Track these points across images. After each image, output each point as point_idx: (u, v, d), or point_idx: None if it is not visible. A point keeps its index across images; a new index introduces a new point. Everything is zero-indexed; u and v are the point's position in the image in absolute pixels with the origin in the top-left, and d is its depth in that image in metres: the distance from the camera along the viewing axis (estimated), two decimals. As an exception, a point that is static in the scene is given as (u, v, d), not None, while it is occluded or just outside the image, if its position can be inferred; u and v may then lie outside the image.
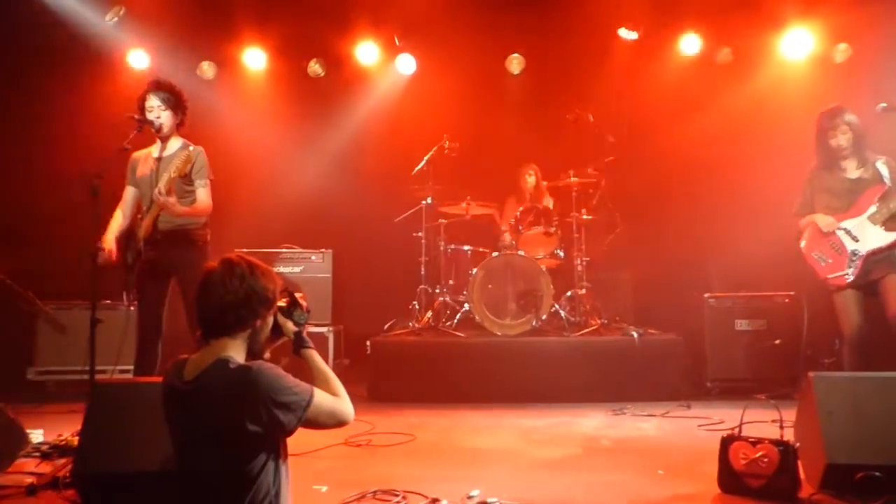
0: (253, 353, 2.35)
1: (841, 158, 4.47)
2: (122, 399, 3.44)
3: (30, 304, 6.01)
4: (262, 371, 2.19)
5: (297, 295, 2.54)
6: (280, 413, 2.18)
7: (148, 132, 4.58)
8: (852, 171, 4.47)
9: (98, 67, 7.15)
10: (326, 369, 2.45)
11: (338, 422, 2.35)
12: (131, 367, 4.67)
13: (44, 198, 6.53)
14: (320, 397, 2.29)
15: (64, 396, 5.86)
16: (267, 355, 2.43)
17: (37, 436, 4.24)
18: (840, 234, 4.38)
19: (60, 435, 4.14)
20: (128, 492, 3.20)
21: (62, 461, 3.74)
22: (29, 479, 3.51)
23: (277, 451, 2.30)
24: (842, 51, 7.02)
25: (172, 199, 4.34)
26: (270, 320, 2.40)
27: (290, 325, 2.49)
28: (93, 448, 3.27)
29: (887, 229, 4.30)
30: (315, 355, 2.49)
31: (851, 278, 4.32)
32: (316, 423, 2.29)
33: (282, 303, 2.47)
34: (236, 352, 2.28)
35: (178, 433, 2.29)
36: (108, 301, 5.52)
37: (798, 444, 3.26)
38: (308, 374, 2.41)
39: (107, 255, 4.41)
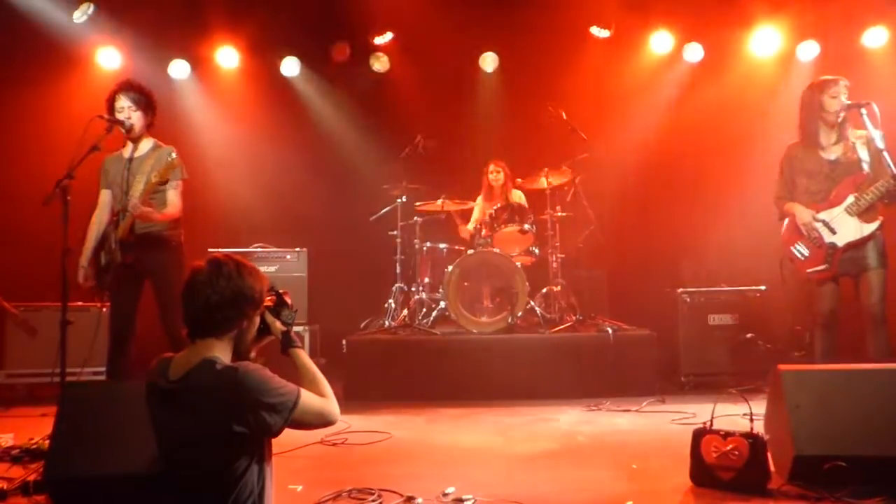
0: (239, 353, 2.33)
1: (825, 122, 4.40)
2: (94, 401, 3.41)
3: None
4: (249, 372, 2.18)
5: (281, 291, 2.52)
6: (266, 414, 2.17)
7: (118, 133, 4.54)
8: (831, 149, 4.44)
9: (67, 66, 7.05)
10: (314, 369, 2.43)
11: (324, 422, 2.34)
12: (103, 369, 4.63)
13: (11, 198, 6.42)
14: (307, 398, 2.28)
15: (34, 399, 5.79)
16: (253, 355, 2.41)
17: (7, 440, 4.18)
18: (818, 226, 4.40)
19: (31, 438, 4.09)
20: (100, 495, 3.18)
21: (33, 465, 3.69)
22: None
23: (262, 452, 2.28)
24: (808, 49, 7.12)
25: (149, 209, 4.38)
26: (257, 320, 2.38)
27: (277, 325, 2.47)
28: (64, 451, 3.23)
29: (864, 221, 4.32)
30: (303, 354, 2.47)
31: (831, 272, 4.37)
32: (302, 424, 2.28)
33: (269, 302, 2.46)
34: (222, 352, 2.26)
35: (161, 433, 2.27)
36: (80, 303, 5.46)
37: (767, 437, 3.32)
38: (295, 374, 2.40)
39: (83, 275, 4.49)
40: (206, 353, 2.23)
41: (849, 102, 4.36)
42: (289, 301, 2.52)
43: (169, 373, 2.24)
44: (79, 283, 4.49)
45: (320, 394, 2.35)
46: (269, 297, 2.44)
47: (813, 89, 4.47)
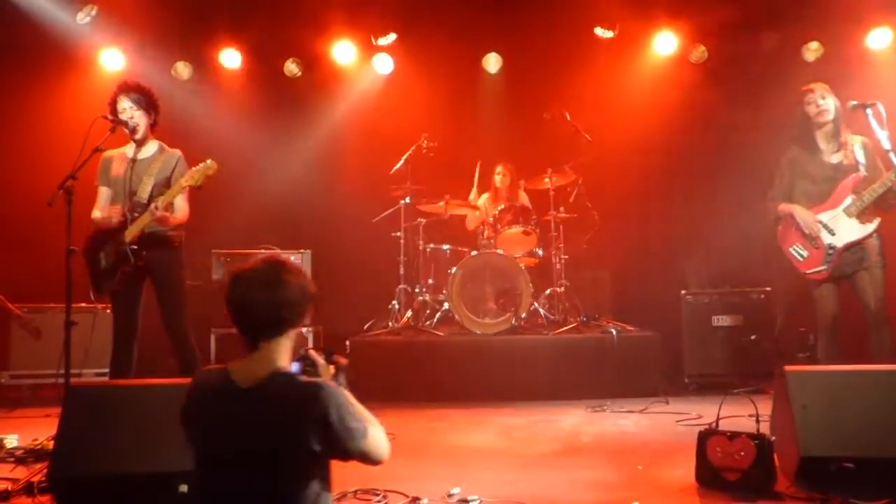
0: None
1: (819, 128, 4.44)
2: (98, 402, 3.41)
3: (2, 308, 5.92)
4: (332, 390, 2.09)
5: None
6: (345, 437, 2.08)
7: (122, 134, 4.55)
8: (830, 154, 4.47)
9: (69, 68, 7.06)
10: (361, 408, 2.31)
11: (380, 458, 2.24)
12: (105, 370, 4.64)
13: (15, 199, 6.43)
14: (375, 429, 2.20)
15: (38, 401, 5.79)
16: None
17: (11, 440, 4.19)
18: (818, 227, 4.42)
19: (35, 439, 4.09)
20: (104, 495, 3.17)
21: (37, 466, 3.69)
22: (3, 485, 3.47)
23: (327, 477, 2.18)
24: (813, 49, 7.11)
25: (167, 214, 4.40)
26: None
27: (329, 368, 2.39)
28: (68, 452, 3.23)
29: (862, 222, 4.33)
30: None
31: (829, 273, 4.37)
32: (365, 456, 2.18)
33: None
34: (285, 356, 2.19)
35: (218, 446, 2.10)
36: (83, 304, 5.45)
37: (773, 438, 3.31)
38: None
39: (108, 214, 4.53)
40: (275, 358, 2.15)
41: (829, 107, 4.41)
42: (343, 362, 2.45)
43: (234, 381, 2.11)
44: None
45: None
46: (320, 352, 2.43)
47: (797, 101, 4.54)
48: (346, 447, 2.11)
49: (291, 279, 2.19)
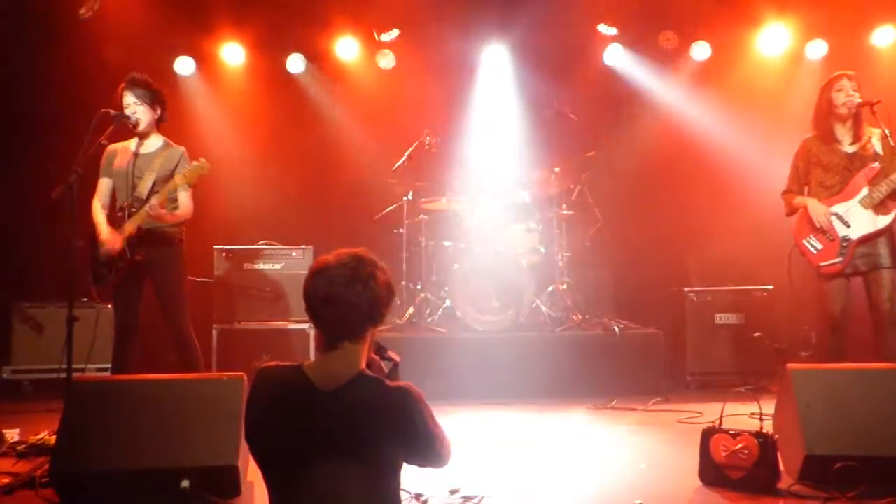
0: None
1: (839, 117, 4.40)
2: (100, 397, 3.43)
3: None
4: (417, 395, 2.06)
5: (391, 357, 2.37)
6: (426, 443, 2.07)
7: (125, 128, 4.54)
8: (848, 144, 4.43)
9: (71, 63, 7.04)
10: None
11: (447, 462, 2.21)
12: (107, 366, 4.63)
13: (17, 194, 6.41)
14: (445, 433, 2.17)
15: (40, 396, 5.79)
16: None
17: (13, 435, 4.19)
18: (832, 218, 4.38)
19: (37, 434, 4.09)
20: (106, 490, 3.18)
21: (39, 460, 3.70)
22: (5, 479, 3.47)
23: (400, 478, 2.14)
24: (816, 47, 7.09)
25: (164, 212, 4.39)
26: None
27: (383, 365, 2.32)
28: (70, 446, 3.24)
29: (877, 213, 4.29)
30: None
31: (844, 265, 4.33)
32: (439, 461, 2.16)
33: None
34: (364, 358, 2.10)
35: (299, 448, 2.00)
36: (85, 299, 5.45)
37: (777, 436, 3.30)
38: None
39: (110, 247, 4.40)
40: (357, 361, 2.07)
41: (859, 99, 4.36)
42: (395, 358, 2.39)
43: (314, 381, 2.02)
44: (103, 256, 4.43)
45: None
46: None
47: (822, 88, 4.50)
48: (427, 453, 2.09)
49: (381, 276, 2.08)
